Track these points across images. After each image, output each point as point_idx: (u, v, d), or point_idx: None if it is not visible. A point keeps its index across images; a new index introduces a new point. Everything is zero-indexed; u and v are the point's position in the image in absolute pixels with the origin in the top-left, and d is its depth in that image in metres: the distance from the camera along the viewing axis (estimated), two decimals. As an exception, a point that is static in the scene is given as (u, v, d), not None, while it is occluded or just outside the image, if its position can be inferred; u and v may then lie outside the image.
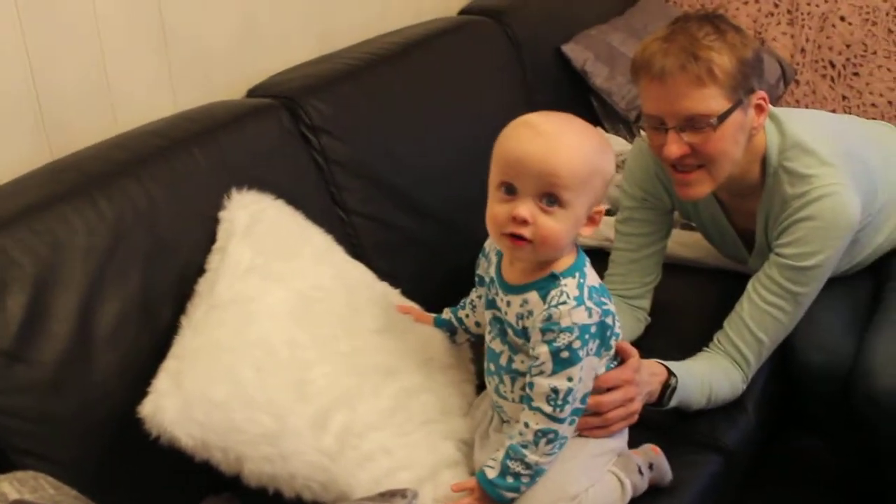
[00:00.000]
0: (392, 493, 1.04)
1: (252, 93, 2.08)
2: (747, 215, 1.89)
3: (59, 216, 1.51)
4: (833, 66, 3.38)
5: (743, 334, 1.77)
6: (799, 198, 1.74)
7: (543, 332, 1.38)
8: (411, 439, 1.54)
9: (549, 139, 1.36)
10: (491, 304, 1.52)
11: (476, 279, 1.63)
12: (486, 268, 1.56)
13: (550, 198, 1.35)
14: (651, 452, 1.57)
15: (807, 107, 3.43)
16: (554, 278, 1.41)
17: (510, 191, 1.36)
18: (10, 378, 1.39)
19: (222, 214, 1.67)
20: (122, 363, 1.51)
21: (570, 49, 2.82)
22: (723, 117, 1.63)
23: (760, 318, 1.76)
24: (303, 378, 1.50)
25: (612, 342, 1.48)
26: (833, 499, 2.23)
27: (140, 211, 1.60)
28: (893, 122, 2.61)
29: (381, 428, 1.52)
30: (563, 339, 1.37)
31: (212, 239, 1.65)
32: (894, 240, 2.02)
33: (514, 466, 1.43)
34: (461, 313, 1.73)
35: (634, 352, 1.55)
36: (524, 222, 1.35)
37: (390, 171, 2.10)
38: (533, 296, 1.42)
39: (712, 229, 2.02)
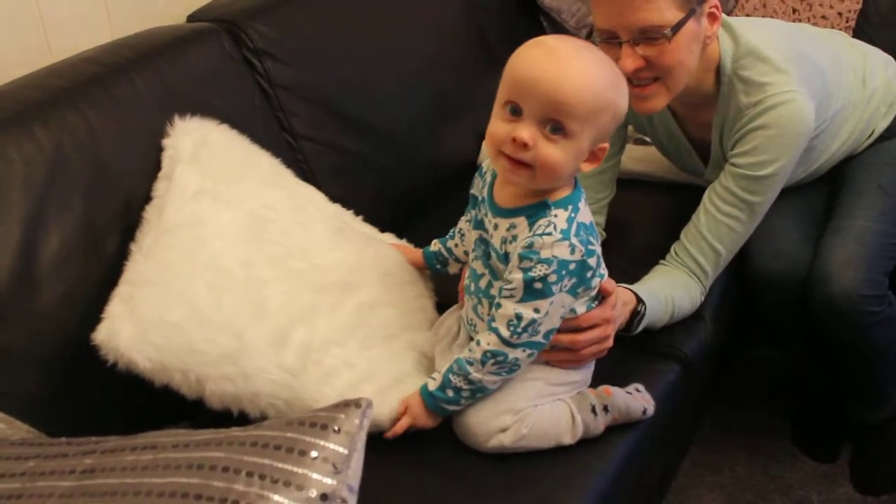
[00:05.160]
0: (346, 403, 1.02)
1: (192, 18, 2.02)
2: (702, 126, 1.88)
3: (-5, 146, 1.46)
4: (783, -22, 3.35)
5: (700, 246, 1.77)
6: (753, 106, 1.72)
7: (521, 258, 1.35)
8: (373, 353, 1.53)
9: (563, 63, 1.31)
10: (479, 225, 1.49)
11: (469, 199, 1.59)
12: (479, 187, 1.52)
13: (555, 124, 1.31)
14: (604, 394, 1.53)
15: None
16: (545, 206, 1.37)
17: (515, 111, 1.32)
18: (-49, 313, 1.36)
19: (166, 142, 1.64)
20: (69, 294, 1.48)
21: (518, -32, 2.77)
22: (677, 27, 1.60)
23: (717, 228, 1.76)
24: (259, 297, 1.48)
25: (594, 283, 1.45)
26: (789, 405, 2.26)
27: (80, 140, 1.56)
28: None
29: (342, 343, 1.51)
30: (538, 270, 1.34)
31: (156, 167, 1.62)
32: (848, 147, 2.01)
33: (456, 381, 1.41)
34: (450, 243, 1.70)
35: (614, 287, 1.52)
36: (524, 146, 1.31)
37: (338, 94, 2.06)
38: (521, 221, 1.39)
39: (667, 142, 2.00)
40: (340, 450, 0.99)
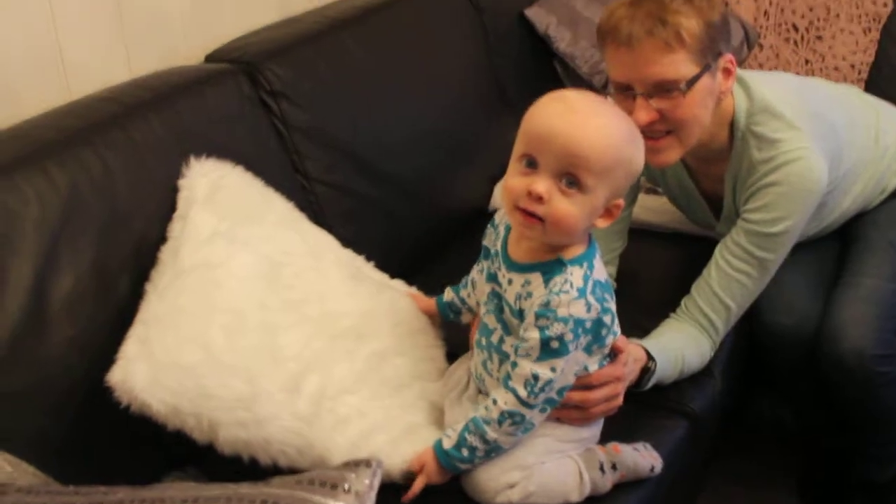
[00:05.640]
0: (356, 463, 1.02)
1: (210, 58, 2.03)
2: (715, 180, 1.88)
3: (10, 185, 1.46)
4: (796, 29, 3.38)
5: (711, 301, 1.76)
6: (766, 162, 1.73)
7: (538, 316, 1.34)
8: (385, 402, 1.53)
9: (580, 118, 1.31)
10: (492, 278, 1.48)
11: (482, 250, 1.59)
12: (493, 239, 1.52)
13: (571, 178, 1.31)
14: (612, 451, 1.52)
15: (770, 70, 3.43)
16: (560, 264, 1.37)
17: (531, 164, 1.32)
18: (-38, 353, 1.36)
19: (181, 182, 1.64)
20: (80, 336, 1.47)
21: (533, 13, 2.79)
22: (691, 82, 1.61)
23: (728, 284, 1.76)
24: (274, 342, 1.47)
25: (608, 341, 1.44)
26: (798, 463, 2.24)
27: (95, 179, 1.56)
28: (857, 86, 2.62)
29: (354, 391, 1.50)
30: (555, 329, 1.33)
31: (170, 208, 1.62)
32: (860, 203, 2.02)
33: (472, 440, 1.41)
34: (463, 293, 1.70)
35: (626, 345, 1.51)
36: (539, 199, 1.30)
37: (352, 137, 2.07)
38: (536, 277, 1.38)
39: (679, 194, 2.00)
40: (350, 511, 0.98)
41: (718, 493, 2.21)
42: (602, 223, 1.39)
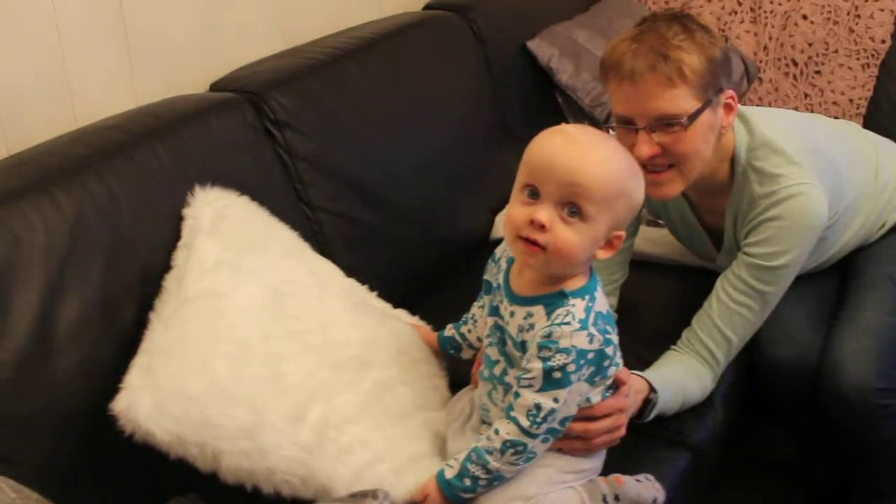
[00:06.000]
0: (363, 494, 1.02)
1: (215, 87, 2.05)
2: (716, 213, 1.89)
3: (17, 212, 1.47)
4: (795, 64, 3.40)
5: (712, 334, 1.77)
6: (767, 197, 1.74)
7: (541, 347, 1.35)
8: (388, 432, 1.52)
9: (581, 148, 1.34)
10: (494, 311, 1.49)
11: (483, 285, 1.60)
12: (494, 273, 1.53)
13: (572, 208, 1.32)
14: (615, 483, 1.52)
15: (769, 104, 3.45)
16: (563, 296, 1.38)
17: (533, 194, 1.34)
18: (-33, 377, 1.36)
19: (186, 211, 1.65)
20: (84, 362, 1.47)
21: (535, 45, 2.81)
22: (693, 117, 1.63)
23: (729, 317, 1.76)
24: (278, 372, 1.47)
25: (611, 372, 1.45)
26: (799, 495, 2.24)
27: (101, 207, 1.57)
28: (855, 120, 2.64)
29: (358, 421, 1.50)
30: (558, 360, 1.34)
31: (175, 236, 1.62)
32: (860, 238, 2.03)
33: (474, 470, 1.41)
34: (463, 329, 1.70)
35: (628, 377, 1.52)
36: (541, 227, 1.32)
37: (356, 166, 2.08)
38: (538, 310, 1.39)
39: (681, 227, 2.01)
40: (357, 541, 0.98)
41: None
42: (603, 254, 1.39)
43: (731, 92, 1.71)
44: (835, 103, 3.37)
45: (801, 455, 2.17)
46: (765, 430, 2.28)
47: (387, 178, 2.14)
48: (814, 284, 2.01)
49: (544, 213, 1.32)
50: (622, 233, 1.39)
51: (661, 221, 2.13)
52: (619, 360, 1.46)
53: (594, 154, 1.34)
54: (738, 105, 1.76)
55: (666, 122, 1.63)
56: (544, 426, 1.38)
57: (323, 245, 1.97)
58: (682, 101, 1.62)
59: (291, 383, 1.48)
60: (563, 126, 1.41)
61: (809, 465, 2.17)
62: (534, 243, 1.33)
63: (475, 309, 1.68)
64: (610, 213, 1.35)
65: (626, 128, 1.66)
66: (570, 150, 1.34)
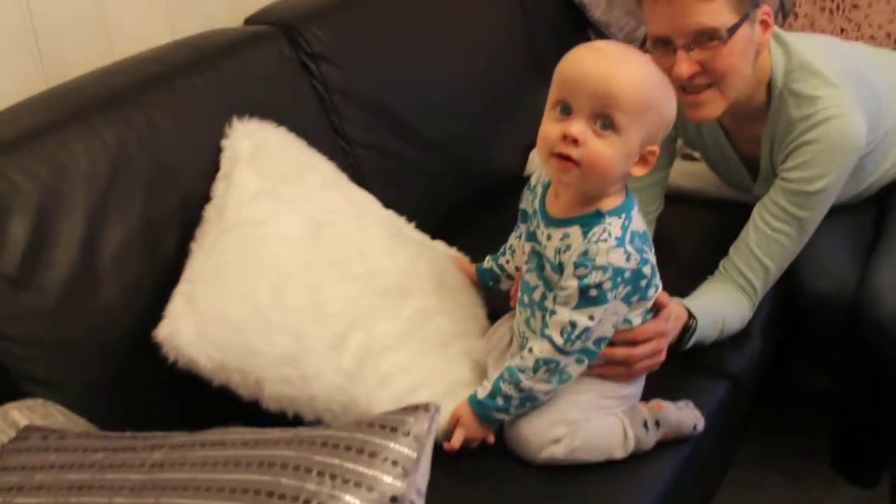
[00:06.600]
0: (415, 407, 1.03)
1: (249, 21, 2.03)
2: (752, 141, 1.87)
3: (60, 141, 1.49)
4: (831, -2, 3.35)
5: (750, 261, 1.76)
6: (804, 120, 1.72)
7: (577, 265, 1.36)
8: (428, 360, 1.53)
9: (613, 61, 1.35)
10: (531, 237, 1.49)
11: (519, 214, 1.61)
12: (530, 201, 1.53)
13: (605, 120, 1.33)
14: (656, 409, 1.53)
15: (805, 38, 3.40)
16: (599, 215, 1.38)
17: (565, 110, 1.34)
18: (15, 305, 1.38)
19: (225, 143, 1.65)
20: (128, 290, 1.49)
21: (567, -20, 2.78)
22: (732, 30, 1.60)
23: (766, 244, 1.75)
24: (318, 299, 1.48)
25: (650, 293, 1.45)
26: (831, 426, 2.24)
27: (142, 137, 1.58)
28: (894, 53, 2.59)
29: (398, 349, 1.51)
30: (594, 277, 1.35)
31: (214, 166, 1.63)
32: (899, 168, 2.01)
33: (506, 388, 1.41)
34: (502, 260, 1.71)
35: (668, 300, 1.52)
36: (574, 142, 1.32)
37: (391, 99, 2.07)
38: (575, 230, 1.40)
39: (716, 157, 2.00)
40: (409, 453, 0.99)
41: (751, 459, 2.21)
42: (638, 171, 1.40)
43: (767, 8, 1.68)
44: (872, 37, 3.32)
45: (838, 388, 2.17)
46: (800, 365, 2.28)
47: (421, 111, 2.13)
48: (851, 215, 2.00)
49: (577, 127, 1.32)
50: (656, 147, 1.39)
51: (696, 155, 2.12)
52: (657, 281, 1.46)
53: (625, 65, 1.35)
54: (776, 27, 1.74)
55: (705, 37, 1.60)
56: (578, 344, 1.39)
57: (359, 177, 1.95)
58: (719, 13, 1.59)
59: (332, 311, 1.49)
60: (593, 42, 1.42)
61: (845, 398, 2.17)
62: (568, 158, 1.34)
63: (513, 239, 1.68)
64: (642, 125, 1.35)
65: (664, 49, 1.64)
66: (601, 62, 1.34)
